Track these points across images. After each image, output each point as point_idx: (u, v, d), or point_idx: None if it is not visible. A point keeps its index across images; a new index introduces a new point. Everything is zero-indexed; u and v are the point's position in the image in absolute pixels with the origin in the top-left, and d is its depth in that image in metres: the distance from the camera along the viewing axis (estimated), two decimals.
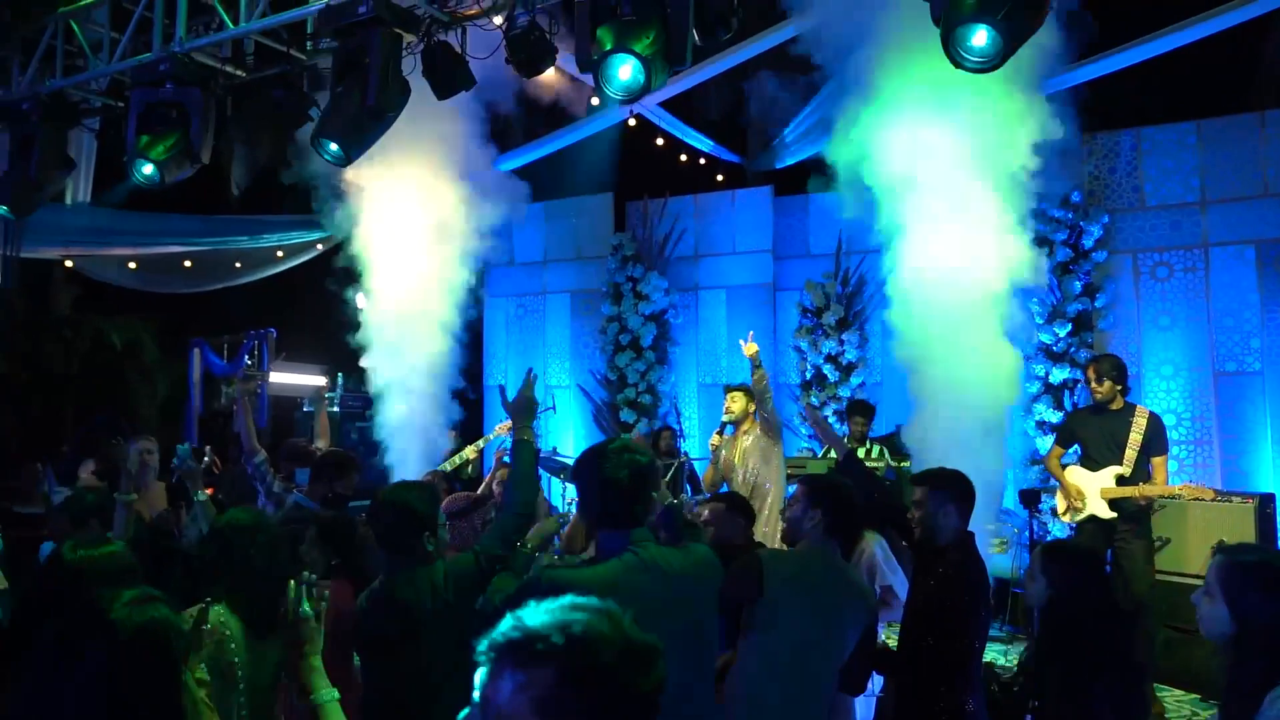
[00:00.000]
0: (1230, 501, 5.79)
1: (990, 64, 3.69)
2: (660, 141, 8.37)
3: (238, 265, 10.82)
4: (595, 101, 6.98)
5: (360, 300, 12.35)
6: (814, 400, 8.53)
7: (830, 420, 8.40)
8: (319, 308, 12.40)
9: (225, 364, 11.93)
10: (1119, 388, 5.69)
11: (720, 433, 6.11)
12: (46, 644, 1.55)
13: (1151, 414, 5.67)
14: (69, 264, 9.90)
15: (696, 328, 9.45)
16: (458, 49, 4.85)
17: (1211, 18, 6.37)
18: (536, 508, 3.43)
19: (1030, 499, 5.41)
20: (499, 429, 7.22)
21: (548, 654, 1.01)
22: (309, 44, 5.46)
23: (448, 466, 6.57)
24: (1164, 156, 7.38)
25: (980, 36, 3.60)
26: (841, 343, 8.42)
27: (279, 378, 6.73)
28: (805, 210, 9.38)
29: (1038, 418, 7.48)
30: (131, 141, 5.31)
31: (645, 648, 1.07)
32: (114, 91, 6.43)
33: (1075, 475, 5.67)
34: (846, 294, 8.55)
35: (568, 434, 9.66)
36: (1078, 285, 7.37)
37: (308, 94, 5.44)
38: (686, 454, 8.00)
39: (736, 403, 5.99)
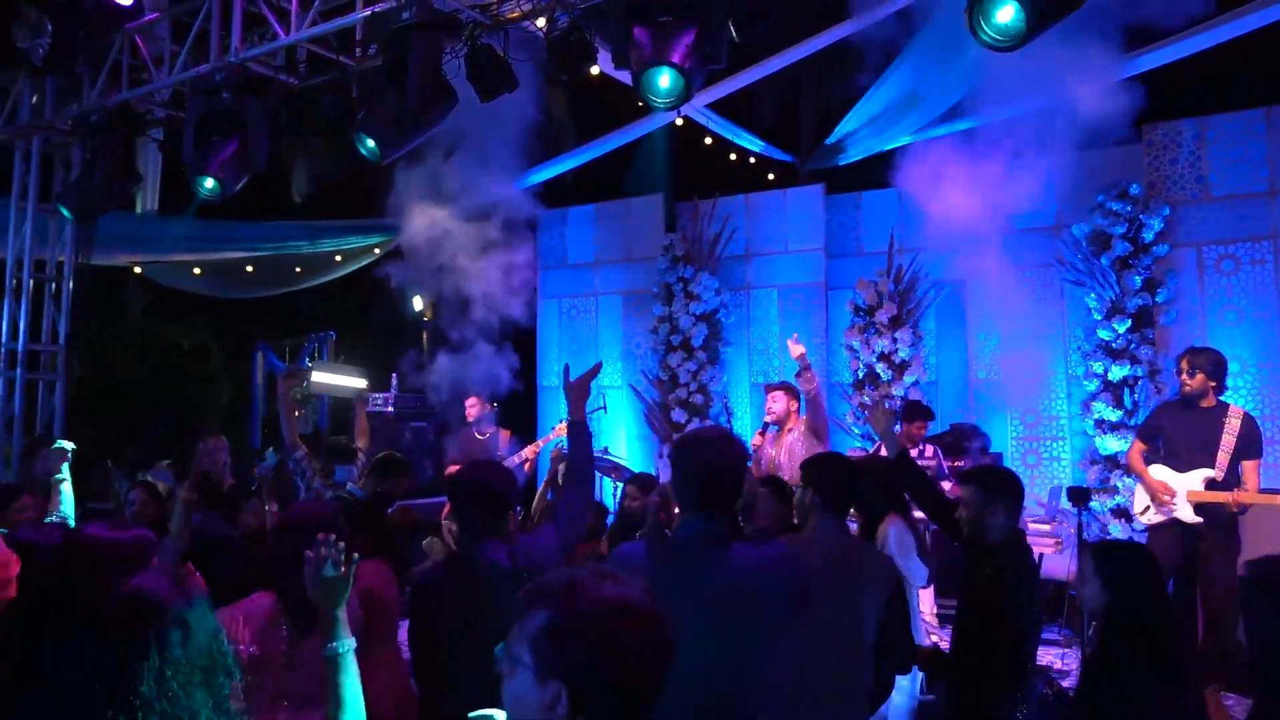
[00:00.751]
0: None
1: (1012, 43, 3.59)
2: (709, 141, 8.36)
3: (298, 270, 11.09)
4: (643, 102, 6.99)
5: (417, 302, 12.62)
6: (866, 400, 8.43)
7: None
8: (378, 310, 12.71)
9: (287, 367, 12.25)
10: (1212, 384, 5.39)
11: (762, 433, 6.08)
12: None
13: (1246, 415, 5.40)
14: (138, 270, 10.23)
15: (748, 327, 9.42)
16: (500, 52, 4.92)
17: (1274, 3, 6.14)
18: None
19: (1079, 496, 5.23)
20: (557, 429, 7.28)
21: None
22: (358, 51, 5.59)
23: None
24: (1230, 145, 7.13)
25: (1007, 12, 3.50)
26: (894, 341, 8.31)
27: (320, 378, 6.89)
28: (857, 208, 9.29)
29: (1096, 416, 7.29)
30: (190, 153, 5.48)
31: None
32: (175, 102, 6.67)
33: (1161, 473, 5.43)
34: (899, 291, 8.43)
35: (619, 434, 9.70)
36: (1137, 280, 7.16)
37: (356, 100, 5.57)
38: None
39: (778, 403, 5.96)
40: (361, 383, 6.82)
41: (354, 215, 11.91)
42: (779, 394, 6.00)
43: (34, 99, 6.99)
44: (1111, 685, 2.72)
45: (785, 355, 9.20)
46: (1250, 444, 5.30)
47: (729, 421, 7.80)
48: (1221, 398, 5.43)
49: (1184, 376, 5.43)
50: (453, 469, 7.50)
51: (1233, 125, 7.16)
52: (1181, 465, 5.43)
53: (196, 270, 10.42)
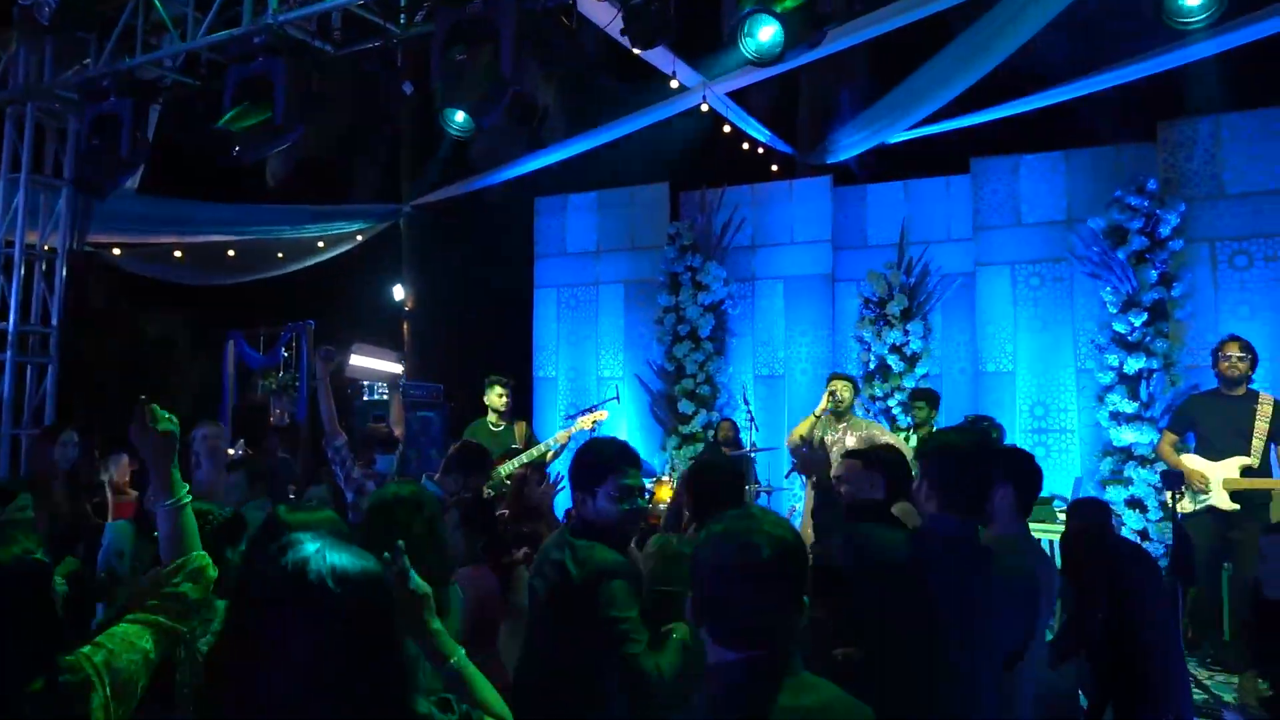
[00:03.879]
0: None
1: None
2: (727, 129, 8.26)
3: (280, 255, 10.71)
4: (675, 84, 6.87)
5: (398, 291, 12.29)
6: (877, 392, 8.43)
7: (895, 411, 8.30)
8: (360, 299, 12.35)
9: (262, 357, 11.81)
10: (1251, 372, 5.64)
11: (818, 416, 5.96)
12: None
13: (1277, 401, 5.56)
14: (117, 251, 9.75)
15: (753, 318, 9.35)
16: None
17: None
18: None
19: (1173, 481, 5.29)
20: (582, 420, 7.09)
21: None
22: (401, 17, 5.35)
23: (524, 459, 6.40)
24: (1247, 143, 7.29)
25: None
26: (906, 333, 8.32)
27: (358, 361, 6.60)
28: (863, 201, 9.30)
29: (1111, 408, 7.38)
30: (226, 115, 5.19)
31: None
32: (189, 69, 6.33)
33: (1195, 463, 5.53)
34: (910, 284, 8.45)
35: (621, 425, 9.54)
36: (1153, 274, 7.27)
37: (401, 68, 5.33)
38: (754, 444, 7.90)
39: (848, 390, 5.88)
40: (398, 367, 6.53)
41: (330, 200, 11.59)
42: (848, 383, 5.92)
43: (29, 64, 6.57)
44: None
45: (791, 347, 9.21)
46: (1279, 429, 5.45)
47: (748, 412, 7.70)
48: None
49: (1235, 361, 5.55)
50: None
51: (1249, 123, 7.32)
52: (1215, 454, 5.53)
53: (178, 254, 9.97)
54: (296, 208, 10.61)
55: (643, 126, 8.29)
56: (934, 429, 7.16)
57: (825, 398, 5.93)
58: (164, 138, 7.19)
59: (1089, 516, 4.00)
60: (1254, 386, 5.69)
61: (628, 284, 9.76)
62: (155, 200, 9.14)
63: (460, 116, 4.59)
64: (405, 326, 12.11)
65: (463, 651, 1.97)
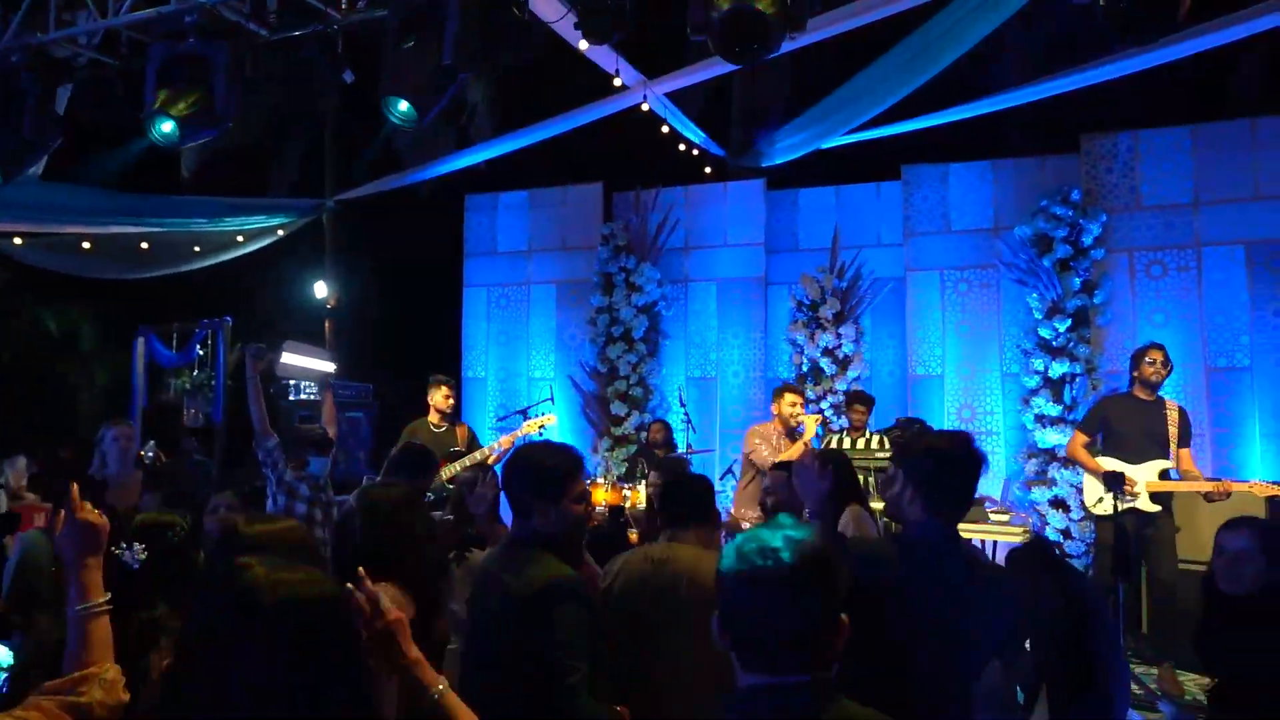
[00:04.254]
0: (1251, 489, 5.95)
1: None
2: (665, 130, 8.23)
3: (196, 249, 10.26)
4: (618, 83, 6.80)
5: (320, 288, 11.93)
6: (810, 395, 8.51)
7: (828, 414, 8.39)
8: (281, 296, 11.94)
9: (174, 354, 11.32)
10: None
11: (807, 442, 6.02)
12: None
13: (1180, 407, 5.83)
14: (18, 241, 9.20)
15: (685, 320, 9.35)
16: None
17: (1204, 34, 6.55)
18: None
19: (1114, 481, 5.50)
20: (526, 426, 6.99)
21: None
22: (343, 3, 5.16)
23: (467, 462, 6.26)
24: (1160, 159, 7.60)
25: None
26: (839, 336, 8.42)
27: (288, 359, 6.32)
28: (795, 205, 9.40)
29: (1037, 411, 7.60)
30: (150, 97, 4.92)
31: None
32: (107, 47, 5.99)
33: (1113, 465, 5.73)
34: (842, 288, 8.56)
35: (553, 425, 9.41)
36: (1077, 281, 7.52)
37: (343, 57, 5.14)
38: (690, 445, 7.90)
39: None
40: (330, 366, 6.31)
41: (250, 192, 11.18)
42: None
43: None
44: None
45: (723, 349, 9.24)
46: (1185, 433, 5.78)
47: (684, 414, 7.69)
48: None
49: (1159, 366, 5.80)
50: None
51: (1163, 139, 7.63)
52: (1130, 456, 5.75)
53: (86, 245, 9.46)
54: (214, 199, 10.19)
55: (579, 125, 8.19)
56: (869, 432, 7.28)
57: (811, 421, 6.02)
58: (75, 120, 6.80)
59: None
60: (1162, 393, 5.96)
61: (560, 284, 9.65)
62: (61, 187, 8.65)
63: (404, 105, 4.46)
64: (328, 325, 11.76)
65: (445, 683, 1.84)
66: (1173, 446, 5.73)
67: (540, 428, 7.68)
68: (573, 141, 9.18)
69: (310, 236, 11.49)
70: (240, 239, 10.55)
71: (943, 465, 2.43)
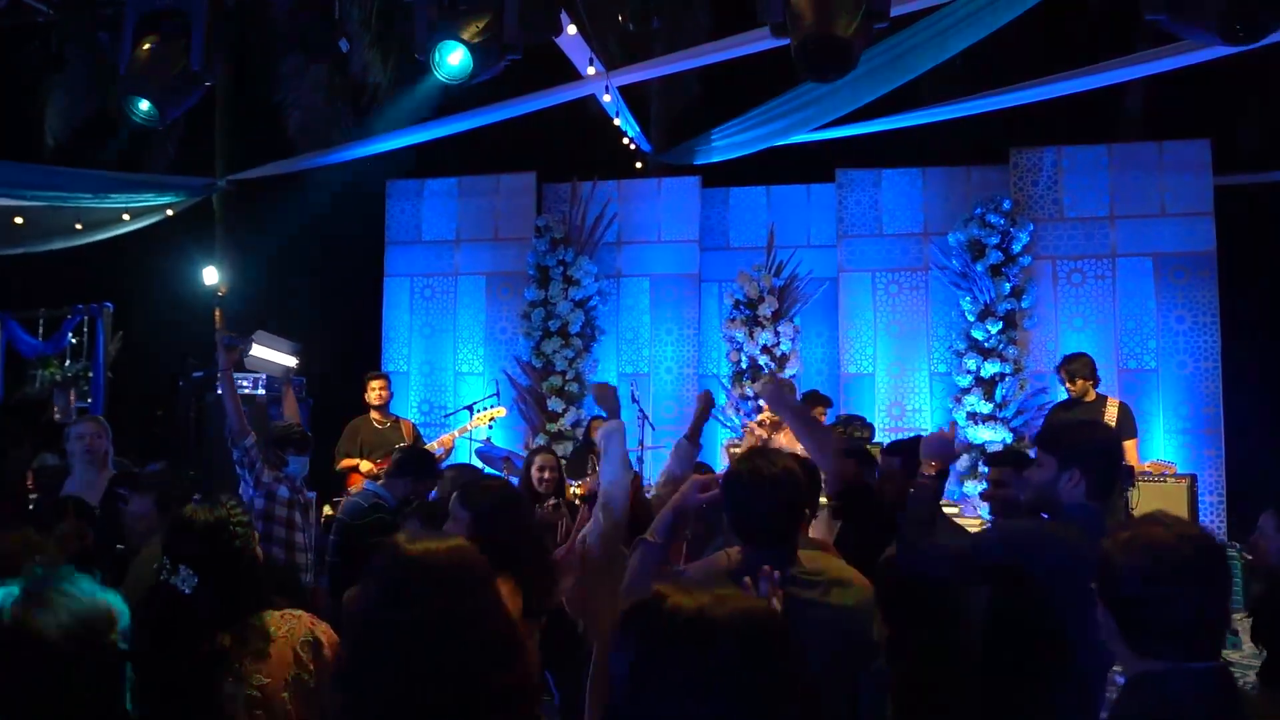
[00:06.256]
0: (1166, 481, 6.50)
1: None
2: (617, 122, 8.10)
3: (78, 226, 9.30)
4: (591, 71, 6.64)
5: (210, 274, 11.07)
6: (749, 392, 8.61)
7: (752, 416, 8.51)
8: (162, 281, 10.98)
9: (40, 343, 10.27)
10: (1089, 383, 6.38)
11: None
12: None
13: (1121, 403, 6.31)
14: None
15: (618, 316, 9.27)
16: None
17: (1132, 64, 7.08)
18: None
19: None
20: (476, 419, 6.80)
21: None
22: None
23: None
24: (1081, 174, 8.15)
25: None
26: (777, 334, 8.56)
27: (254, 350, 5.74)
28: (725, 203, 9.49)
29: (969, 409, 8.00)
30: (126, 64, 4.42)
31: None
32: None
33: None
34: (779, 287, 8.71)
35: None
36: (1007, 286, 7.96)
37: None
38: (643, 443, 7.83)
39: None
40: (294, 360, 5.82)
41: (122, 168, 10.25)
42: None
43: None
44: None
45: (656, 345, 9.23)
46: (1126, 426, 6.25)
47: (638, 410, 7.60)
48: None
49: (1067, 384, 6.34)
50: (348, 462, 6.66)
51: (1084, 155, 8.19)
52: None
53: None
54: (99, 173, 9.29)
55: (528, 112, 7.96)
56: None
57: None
58: None
59: None
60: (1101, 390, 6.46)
61: (490, 276, 9.36)
62: None
63: (145, 105, 4.30)
64: (218, 313, 10.91)
65: None
66: None
67: (490, 420, 7.45)
68: (504, 129, 8.92)
69: (198, 219, 10.63)
70: (126, 217, 9.65)
71: (1102, 447, 2.67)
